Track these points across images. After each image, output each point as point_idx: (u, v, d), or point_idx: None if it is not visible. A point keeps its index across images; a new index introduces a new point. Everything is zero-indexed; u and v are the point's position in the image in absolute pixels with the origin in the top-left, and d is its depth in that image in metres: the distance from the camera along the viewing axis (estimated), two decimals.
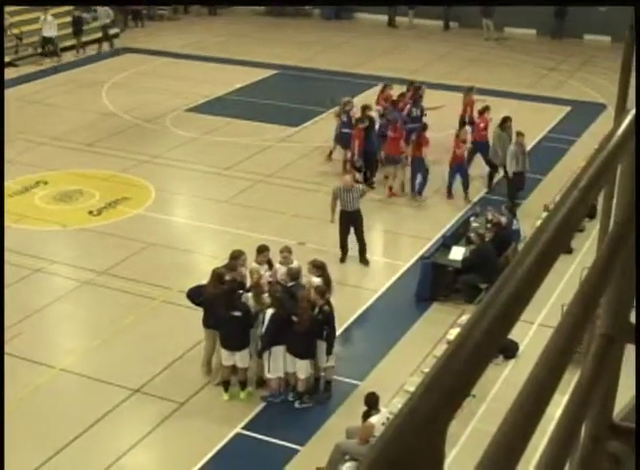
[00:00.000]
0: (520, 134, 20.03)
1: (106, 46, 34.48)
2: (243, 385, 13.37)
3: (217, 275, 13.44)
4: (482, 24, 36.70)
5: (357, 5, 39.71)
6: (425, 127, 20.77)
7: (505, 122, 20.93)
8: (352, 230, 17.37)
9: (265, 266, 14.29)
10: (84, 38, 34.38)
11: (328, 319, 13.06)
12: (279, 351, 13.00)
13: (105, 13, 34.69)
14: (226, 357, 13.24)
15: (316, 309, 12.98)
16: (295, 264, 14.16)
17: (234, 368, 13.31)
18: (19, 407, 12.72)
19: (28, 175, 21.48)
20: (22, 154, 22.58)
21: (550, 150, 22.37)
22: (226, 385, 13.36)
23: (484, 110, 21.65)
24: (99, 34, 34.83)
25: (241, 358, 13.19)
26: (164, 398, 13.31)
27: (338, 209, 17.47)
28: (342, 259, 17.32)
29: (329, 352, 13.17)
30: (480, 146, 21.27)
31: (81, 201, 20.32)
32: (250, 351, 13.27)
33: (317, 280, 13.56)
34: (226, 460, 12.16)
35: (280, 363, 13.06)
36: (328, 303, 13.11)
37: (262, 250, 14.48)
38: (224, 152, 23.23)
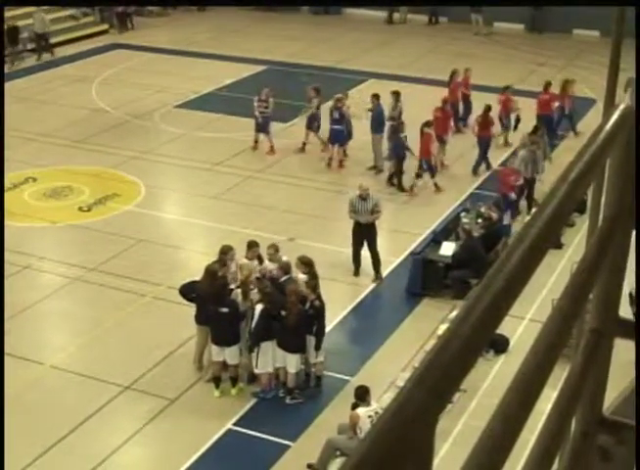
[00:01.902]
0: (534, 142, 20.01)
1: (47, 56, 32.79)
2: (234, 381, 13.37)
3: (211, 272, 13.43)
4: (472, 19, 36.74)
5: (351, 6, 39.70)
6: (489, 108, 22.00)
7: (536, 131, 20.90)
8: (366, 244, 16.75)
9: (255, 262, 14.29)
10: (79, 33, 34.62)
11: (318, 314, 13.07)
12: (268, 346, 13.00)
13: (40, 21, 32.62)
14: (216, 353, 13.24)
15: (307, 304, 12.99)
16: (285, 259, 14.15)
17: (224, 364, 13.31)
18: (9, 404, 12.67)
19: (17, 172, 21.41)
20: (12, 150, 22.48)
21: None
22: (217, 381, 13.35)
23: (548, 85, 23.74)
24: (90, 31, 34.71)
25: (230, 354, 13.19)
26: (156, 394, 13.30)
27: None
28: (356, 273, 16.81)
29: (318, 347, 13.17)
30: (545, 119, 23.03)
31: (71, 197, 20.27)
32: (240, 347, 13.28)
33: (303, 277, 13.56)
34: (218, 456, 12.16)
35: (269, 359, 13.06)
36: (319, 298, 13.11)
37: (252, 245, 14.48)
38: (214, 148, 23.19)
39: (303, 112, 23.28)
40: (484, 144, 21.84)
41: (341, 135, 21.85)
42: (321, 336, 13.21)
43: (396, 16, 39.03)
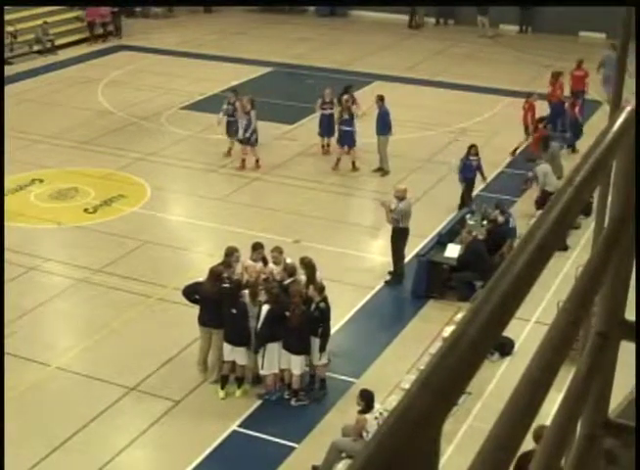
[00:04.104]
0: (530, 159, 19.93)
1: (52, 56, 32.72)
2: (239, 382, 13.37)
3: (215, 273, 13.43)
4: (478, 22, 36.73)
5: (357, 5, 39.67)
6: (584, 92, 23.54)
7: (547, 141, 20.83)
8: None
9: (260, 264, 14.28)
10: (85, 35, 34.55)
11: (323, 316, 13.06)
12: (274, 347, 13.00)
13: None
14: (228, 353, 13.26)
15: (312, 306, 12.98)
16: (289, 261, 14.14)
17: (233, 365, 13.32)
18: (15, 406, 12.70)
19: (24, 173, 21.45)
20: (18, 152, 22.53)
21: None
22: (224, 381, 13.34)
23: (581, 62, 25.90)
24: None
25: (240, 355, 13.19)
26: (160, 395, 13.30)
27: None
28: (388, 282, 16.64)
29: (322, 349, 13.16)
30: (579, 93, 24.96)
31: (77, 199, 20.29)
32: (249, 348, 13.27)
33: (304, 278, 13.59)
34: (222, 458, 12.16)
35: (274, 360, 13.05)
36: (324, 300, 13.10)
37: (257, 247, 14.48)
38: (220, 149, 23.19)
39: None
40: (573, 125, 22.83)
41: (350, 137, 21.81)
42: (326, 338, 13.19)
43: (403, 18, 38.87)
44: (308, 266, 13.79)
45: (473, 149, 19.75)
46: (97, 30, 35.42)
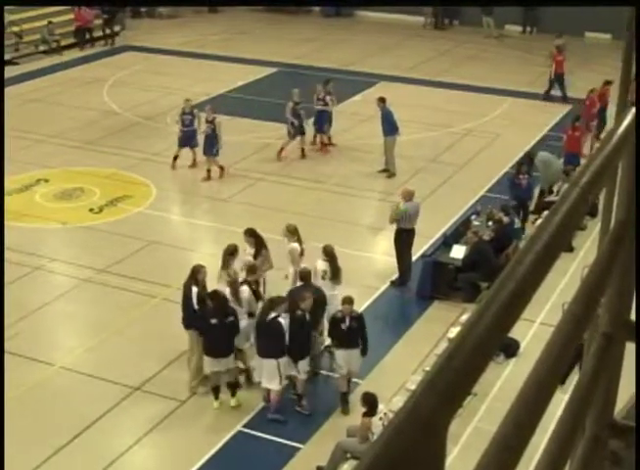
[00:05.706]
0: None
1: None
2: (233, 388, 13.13)
3: (193, 270, 13.32)
4: (483, 22, 36.72)
5: (360, 6, 39.67)
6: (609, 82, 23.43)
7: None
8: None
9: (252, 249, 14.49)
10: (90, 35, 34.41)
11: (360, 325, 13.04)
12: (271, 363, 12.82)
13: None
14: (212, 365, 12.93)
15: (347, 319, 12.94)
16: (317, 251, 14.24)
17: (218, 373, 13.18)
18: (18, 406, 12.71)
19: (29, 173, 21.47)
20: (23, 152, 22.56)
21: (551, 148, 22.31)
22: (216, 392, 13.06)
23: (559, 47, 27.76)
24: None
25: (225, 364, 12.98)
26: (165, 396, 13.30)
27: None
28: (394, 283, 16.61)
29: (364, 353, 13.13)
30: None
31: (82, 199, 20.30)
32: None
33: (323, 264, 13.89)
34: (227, 459, 12.15)
35: (271, 375, 12.83)
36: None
37: (249, 233, 14.81)
38: (225, 150, 23.15)
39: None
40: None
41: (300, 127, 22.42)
42: (365, 344, 13.13)
43: (421, 19, 38.70)
44: (330, 255, 14.08)
45: (522, 167, 18.98)
46: (81, 37, 34.74)
